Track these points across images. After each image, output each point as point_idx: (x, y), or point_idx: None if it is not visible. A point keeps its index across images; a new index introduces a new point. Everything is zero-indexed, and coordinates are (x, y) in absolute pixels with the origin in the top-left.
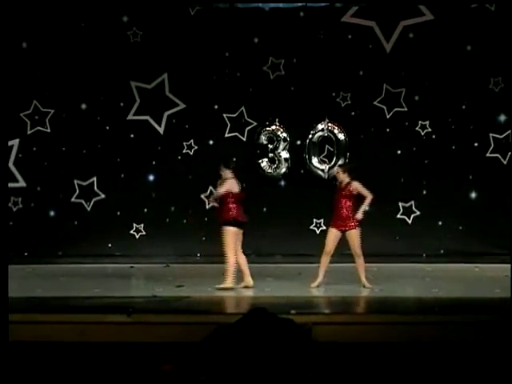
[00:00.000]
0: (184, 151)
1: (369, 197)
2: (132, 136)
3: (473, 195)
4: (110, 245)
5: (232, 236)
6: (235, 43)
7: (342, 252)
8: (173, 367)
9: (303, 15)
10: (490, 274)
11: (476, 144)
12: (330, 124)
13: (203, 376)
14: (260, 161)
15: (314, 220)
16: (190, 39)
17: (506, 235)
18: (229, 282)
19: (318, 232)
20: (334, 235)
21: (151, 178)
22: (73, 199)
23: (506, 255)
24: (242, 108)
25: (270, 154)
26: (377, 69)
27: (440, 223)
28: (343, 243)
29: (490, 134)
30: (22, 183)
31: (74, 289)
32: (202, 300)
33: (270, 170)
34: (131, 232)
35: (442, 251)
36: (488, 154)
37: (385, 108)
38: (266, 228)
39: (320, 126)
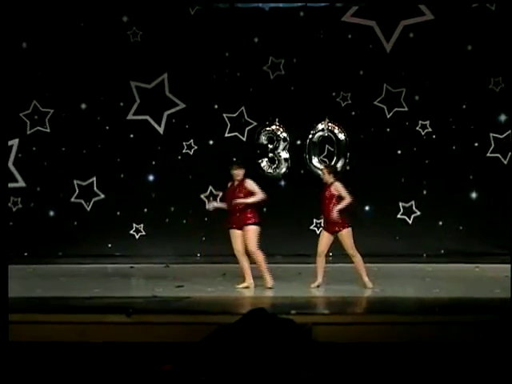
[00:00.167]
0: (184, 151)
1: (347, 199)
2: (132, 136)
3: (473, 195)
4: (109, 245)
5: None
6: (235, 43)
7: (343, 252)
8: (173, 367)
9: (303, 15)
10: (490, 274)
11: (476, 144)
12: (330, 124)
13: (203, 376)
14: (260, 161)
15: (314, 220)
16: (190, 39)
17: (507, 235)
18: (268, 280)
19: (318, 232)
20: (326, 237)
21: (151, 178)
22: (72, 199)
23: (506, 255)
24: (242, 108)
25: (270, 154)
26: (377, 68)
27: (440, 223)
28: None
29: (491, 134)
30: (21, 183)
31: (74, 289)
32: (201, 300)
33: (270, 170)
34: (131, 232)
35: (442, 251)
36: (488, 154)
37: (385, 108)
38: (266, 228)
39: (320, 126)
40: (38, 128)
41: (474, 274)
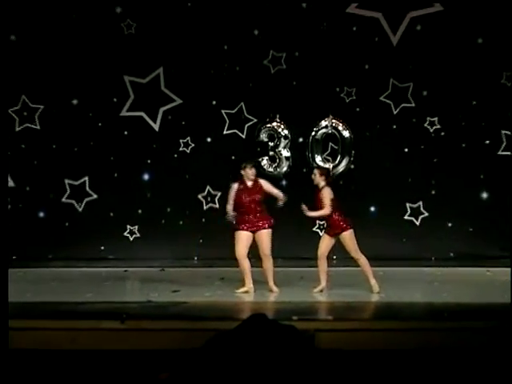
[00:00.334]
0: (180, 149)
1: (325, 210)
2: (126, 133)
3: (484, 195)
4: (102, 247)
5: None
6: (234, 36)
7: (346, 255)
8: (169, 376)
9: (306, 6)
10: (502, 278)
11: (487, 141)
12: (333, 120)
13: None
14: (260, 159)
15: (317, 221)
16: (186, 31)
17: None
18: (273, 286)
19: (321, 234)
20: (326, 240)
21: (146, 177)
22: (63, 199)
23: None
24: (242, 104)
25: (271, 152)
26: (383, 62)
27: (449, 225)
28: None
29: (502, 131)
30: (10, 183)
31: (65, 294)
32: (199, 305)
33: (270, 169)
34: (125, 234)
35: (451, 254)
36: (500, 152)
37: (391, 104)
38: None
39: (323, 123)
40: (28, 125)
41: (484, 278)
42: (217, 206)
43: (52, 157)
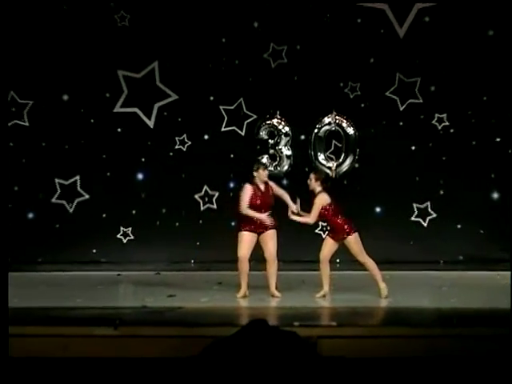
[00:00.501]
0: (176, 147)
1: (310, 218)
2: (119, 130)
3: (495, 195)
4: (94, 250)
5: None
6: (233, 28)
7: (351, 258)
8: None
9: None
10: None
11: (498, 139)
12: (337, 117)
13: None
14: (260, 157)
15: (320, 223)
16: (183, 23)
17: None
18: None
19: (324, 236)
20: (330, 243)
21: (140, 176)
22: (53, 200)
23: None
24: (241, 99)
25: (271, 151)
26: (389, 56)
27: (459, 226)
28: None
29: None
30: None
31: (55, 299)
32: (196, 311)
33: (270, 168)
34: (118, 236)
35: (460, 257)
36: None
37: (398, 99)
38: None
39: (327, 120)
40: (16, 121)
41: (495, 283)
42: (214, 206)
43: (41, 155)
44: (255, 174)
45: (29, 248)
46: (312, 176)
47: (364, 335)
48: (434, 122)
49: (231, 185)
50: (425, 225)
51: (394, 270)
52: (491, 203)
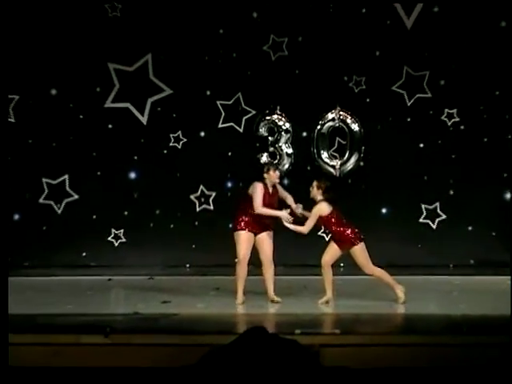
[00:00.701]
0: (171, 144)
1: (304, 228)
2: (110, 126)
3: (507, 196)
4: (84, 254)
5: None
6: (231, 19)
7: (355, 262)
8: None
9: None
10: None
11: (511, 136)
12: (341, 113)
13: None
14: (259, 155)
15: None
16: (178, 14)
17: None
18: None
19: (327, 239)
20: (333, 249)
21: (133, 175)
22: (41, 200)
23: None
24: (239, 94)
25: (271, 148)
26: (396, 48)
27: (469, 228)
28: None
29: None
30: None
31: (43, 305)
32: (191, 318)
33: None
34: (109, 239)
35: (471, 261)
36: None
37: (405, 94)
38: None
39: (330, 116)
40: None
41: (507, 288)
42: (211, 207)
43: (28, 153)
44: (265, 175)
45: (14, 251)
46: (314, 184)
47: (369, 344)
48: (443, 117)
49: (229, 184)
50: (434, 227)
51: (400, 274)
52: (504, 204)
